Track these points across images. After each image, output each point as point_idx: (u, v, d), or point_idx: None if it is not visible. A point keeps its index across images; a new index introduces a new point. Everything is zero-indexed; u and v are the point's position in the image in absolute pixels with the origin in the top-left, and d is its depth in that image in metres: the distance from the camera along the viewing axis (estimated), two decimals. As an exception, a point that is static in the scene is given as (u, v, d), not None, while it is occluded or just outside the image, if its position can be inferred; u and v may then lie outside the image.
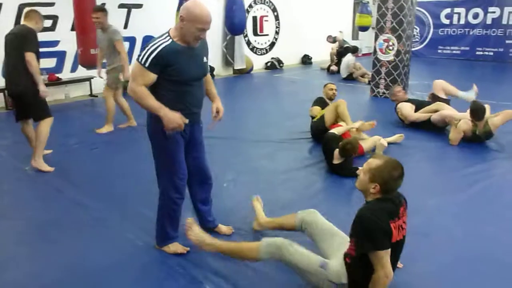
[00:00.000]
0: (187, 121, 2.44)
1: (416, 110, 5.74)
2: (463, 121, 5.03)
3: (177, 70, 2.37)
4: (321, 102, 5.42)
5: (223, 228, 2.98)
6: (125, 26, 8.30)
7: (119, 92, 5.46)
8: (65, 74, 7.61)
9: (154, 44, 2.33)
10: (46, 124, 4.19)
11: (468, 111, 5.10)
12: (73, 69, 7.71)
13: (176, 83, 2.41)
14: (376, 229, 2.00)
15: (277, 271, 2.50)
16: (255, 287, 2.41)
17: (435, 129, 5.50)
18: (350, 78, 9.76)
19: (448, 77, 9.11)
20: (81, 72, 7.47)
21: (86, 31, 5.82)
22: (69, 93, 7.69)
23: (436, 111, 5.53)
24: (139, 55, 2.35)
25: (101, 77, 5.59)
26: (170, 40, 2.36)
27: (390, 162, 2.15)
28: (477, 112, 4.91)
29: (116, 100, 5.51)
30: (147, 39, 8.63)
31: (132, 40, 8.45)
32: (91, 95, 7.84)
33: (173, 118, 2.35)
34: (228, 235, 2.93)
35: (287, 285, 2.42)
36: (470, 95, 5.98)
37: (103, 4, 6.73)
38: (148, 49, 2.33)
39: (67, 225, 3.13)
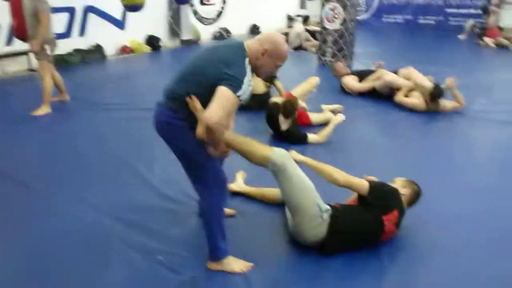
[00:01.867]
0: None
1: (360, 81, 5.90)
2: (417, 96, 5.21)
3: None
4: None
5: (226, 210, 2.75)
6: (63, -5, 7.86)
7: (52, 66, 5.15)
8: (-1, 47, 7.16)
9: (243, 73, 2.04)
10: None
11: (412, 81, 5.37)
12: (8, 42, 7.25)
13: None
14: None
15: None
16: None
17: (382, 97, 5.69)
18: (299, 48, 9.80)
19: (392, 45, 9.40)
20: (18, 45, 7.03)
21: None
22: (5, 68, 7.26)
23: (378, 78, 5.71)
24: (231, 84, 1.98)
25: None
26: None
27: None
28: (436, 95, 5.05)
29: (51, 74, 5.12)
30: (89, 10, 8.26)
31: (71, 11, 8.02)
32: (29, 69, 7.44)
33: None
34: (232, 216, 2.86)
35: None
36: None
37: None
38: (240, 80, 2.01)
39: (9, 208, 3.02)
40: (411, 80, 5.43)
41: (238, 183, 3.20)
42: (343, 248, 2.47)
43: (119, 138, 4.33)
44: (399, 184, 2.68)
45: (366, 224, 2.46)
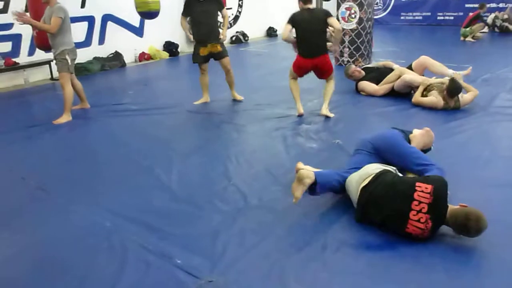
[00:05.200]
0: None
1: (377, 82, 5.81)
2: (434, 95, 5.12)
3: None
4: None
5: None
6: (82, 5, 8.03)
7: (73, 75, 5.25)
8: (22, 58, 7.34)
9: None
10: None
11: (433, 78, 5.30)
12: (31, 53, 7.43)
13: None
14: None
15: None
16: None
17: (400, 95, 5.61)
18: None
19: (411, 42, 9.27)
20: (40, 55, 7.21)
21: (41, 11, 5.59)
22: (28, 77, 7.44)
23: (398, 77, 5.62)
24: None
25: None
26: None
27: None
28: (453, 91, 4.98)
29: (72, 83, 5.23)
30: (107, 19, 8.41)
31: (90, 20, 8.19)
32: (52, 78, 7.61)
33: None
34: None
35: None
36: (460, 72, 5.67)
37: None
38: None
39: (30, 212, 3.08)
40: (429, 71, 5.37)
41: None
42: (375, 201, 2.64)
43: (137, 142, 4.38)
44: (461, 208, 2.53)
45: (402, 180, 2.68)
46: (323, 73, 4.88)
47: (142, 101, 5.87)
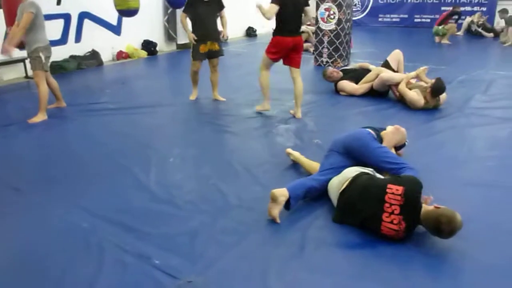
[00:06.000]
0: None
1: (356, 82, 5.87)
2: (416, 92, 5.19)
3: None
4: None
5: None
6: (58, 2, 7.84)
7: (48, 73, 5.13)
8: (-4, 55, 7.14)
9: None
10: None
11: (408, 74, 5.42)
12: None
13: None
14: None
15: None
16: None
17: (377, 94, 5.68)
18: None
19: (389, 44, 9.40)
20: (14, 53, 7.01)
21: (14, 7, 5.44)
22: (2, 76, 7.24)
23: (377, 76, 5.69)
24: None
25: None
26: None
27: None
28: (438, 90, 5.07)
29: (47, 81, 5.09)
30: (84, 16, 8.26)
31: (66, 17, 8.02)
32: (26, 77, 7.42)
33: None
34: None
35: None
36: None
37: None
38: None
39: (5, 212, 3.00)
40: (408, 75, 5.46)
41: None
42: (352, 204, 2.69)
43: (115, 141, 4.30)
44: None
45: (374, 183, 2.70)
46: (296, 56, 4.91)
47: (120, 100, 5.78)
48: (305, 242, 2.57)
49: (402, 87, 5.29)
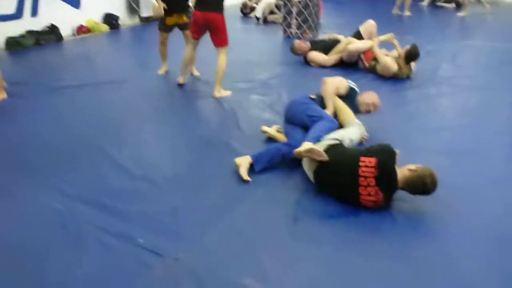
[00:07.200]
0: None
1: (326, 53, 5.83)
2: (391, 61, 5.19)
3: None
4: None
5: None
6: (11, -27, 7.37)
7: None
8: None
9: None
10: None
11: (379, 37, 5.50)
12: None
13: None
14: None
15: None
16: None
17: (349, 65, 5.67)
18: (265, 21, 9.62)
19: (356, 15, 9.40)
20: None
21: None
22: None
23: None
24: None
25: None
26: None
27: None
28: (413, 55, 5.08)
29: None
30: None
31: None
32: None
33: None
34: None
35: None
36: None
37: None
38: None
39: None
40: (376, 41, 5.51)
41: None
42: (328, 181, 2.68)
43: (83, 120, 4.11)
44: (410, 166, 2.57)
45: (345, 158, 2.65)
46: (216, 34, 4.60)
47: (84, 77, 5.52)
48: (292, 213, 2.57)
49: (376, 49, 5.30)
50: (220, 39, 4.61)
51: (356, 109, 3.46)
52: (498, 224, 2.51)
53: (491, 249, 2.31)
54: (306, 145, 2.74)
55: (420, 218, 2.54)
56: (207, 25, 4.55)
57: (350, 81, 3.61)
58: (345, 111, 3.26)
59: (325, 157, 2.65)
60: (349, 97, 3.47)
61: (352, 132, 3.08)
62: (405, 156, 2.82)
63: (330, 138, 2.89)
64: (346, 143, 2.93)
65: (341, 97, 3.41)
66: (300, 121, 3.19)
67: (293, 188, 2.85)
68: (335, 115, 3.26)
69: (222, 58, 4.65)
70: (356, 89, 3.59)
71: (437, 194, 2.53)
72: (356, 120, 3.22)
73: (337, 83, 3.46)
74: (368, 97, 3.51)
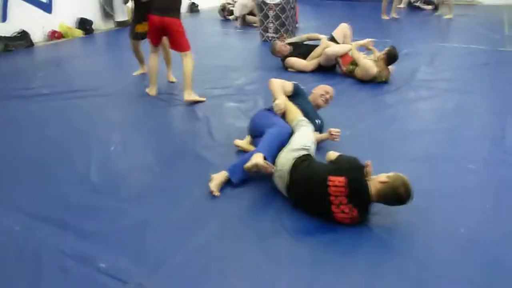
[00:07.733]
0: None
1: (305, 57, 5.73)
2: (371, 63, 5.12)
3: None
4: None
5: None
6: (-23, -23, 7.11)
7: None
8: None
9: None
10: None
11: (357, 41, 5.50)
12: None
13: None
14: None
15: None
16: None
17: (328, 69, 5.60)
18: (244, 22, 9.51)
19: (333, 18, 9.36)
20: None
21: None
22: None
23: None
24: None
25: None
26: None
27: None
28: (392, 57, 5.06)
29: None
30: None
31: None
32: None
33: None
34: None
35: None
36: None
37: None
38: None
39: None
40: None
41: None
42: (300, 199, 2.59)
43: (51, 130, 3.92)
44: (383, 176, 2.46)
45: (314, 176, 2.50)
46: (175, 39, 4.49)
47: (54, 84, 5.31)
48: (265, 230, 2.44)
49: (355, 52, 5.25)
50: (179, 45, 4.49)
51: (315, 105, 3.60)
52: (477, 230, 2.44)
53: (470, 255, 2.23)
54: (255, 159, 2.65)
55: (399, 231, 2.44)
56: (164, 29, 4.42)
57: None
58: (292, 111, 3.22)
59: (271, 170, 2.65)
60: (299, 95, 3.50)
61: (306, 134, 2.96)
62: (383, 162, 2.74)
63: (295, 149, 2.75)
64: (312, 148, 2.85)
65: (293, 96, 3.44)
66: (261, 133, 3.08)
67: (269, 203, 2.72)
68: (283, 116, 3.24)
69: (187, 61, 4.50)
70: (300, 85, 3.62)
71: (416, 203, 2.43)
72: (302, 118, 3.14)
73: (282, 81, 3.48)
74: (319, 89, 3.66)
